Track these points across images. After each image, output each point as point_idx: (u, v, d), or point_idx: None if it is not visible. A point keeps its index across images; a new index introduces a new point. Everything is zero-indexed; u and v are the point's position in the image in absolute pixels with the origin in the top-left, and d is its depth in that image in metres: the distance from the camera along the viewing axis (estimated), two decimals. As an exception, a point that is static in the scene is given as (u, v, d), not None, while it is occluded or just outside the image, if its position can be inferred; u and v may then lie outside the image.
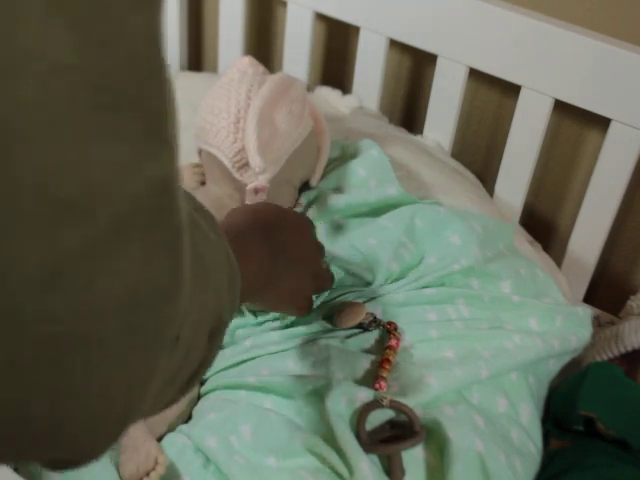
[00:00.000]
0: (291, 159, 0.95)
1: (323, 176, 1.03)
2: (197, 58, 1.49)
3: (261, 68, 0.98)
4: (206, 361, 0.49)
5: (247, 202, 0.93)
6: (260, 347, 0.86)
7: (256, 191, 0.92)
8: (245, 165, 0.92)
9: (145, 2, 0.32)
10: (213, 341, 0.48)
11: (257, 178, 0.92)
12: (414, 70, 1.27)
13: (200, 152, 0.98)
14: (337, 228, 0.97)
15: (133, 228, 0.33)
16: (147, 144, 0.33)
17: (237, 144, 0.92)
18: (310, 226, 0.81)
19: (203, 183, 0.99)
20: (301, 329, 0.88)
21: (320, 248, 0.81)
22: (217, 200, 0.94)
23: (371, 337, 0.86)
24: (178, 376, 0.44)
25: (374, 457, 0.75)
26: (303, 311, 0.83)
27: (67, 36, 0.29)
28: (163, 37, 0.34)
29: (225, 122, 0.92)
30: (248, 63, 0.97)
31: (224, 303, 0.50)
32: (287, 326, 0.89)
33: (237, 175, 0.92)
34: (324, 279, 0.85)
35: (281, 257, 0.72)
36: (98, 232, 0.32)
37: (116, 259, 0.33)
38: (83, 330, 0.32)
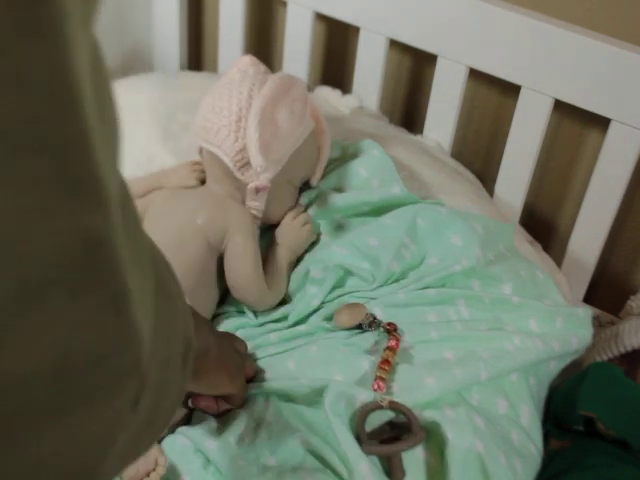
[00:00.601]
0: (292, 159, 0.95)
1: (323, 176, 1.03)
2: (197, 58, 1.49)
3: (262, 67, 0.98)
4: (181, 391, 0.45)
5: (248, 201, 0.93)
6: (260, 348, 0.86)
7: (257, 190, 0.92)
8: (246, 164, 0.92)
9: (45, 30, 0.26)
10: (186, 366, 0.45)
11: (258, 177, 0.92)
12: (414, 70, 1.27)
13: (201, 151, 0.98)
14: (338, 227, 0.97)
15: (48, 292, 0.28)
16: (62, 193, 0.28)
17: (238, 143, 0.92)
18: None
19: (203, 181, 0.99)
20: (301, 330, 0.88)
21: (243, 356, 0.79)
22: (219, 199, 0.94)
23: (371, 338, 0.86)
24: (154, 420, 0.40)
25: (374, 458, 0.75)
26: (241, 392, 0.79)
27: None
28: (75, 66, 0.27)
29: (226, 121, 0.92)
30: (249, 62, 0.97)
31: (191, 326, 0.47)
32: (287, 327, 0.89)
33: (238, 174, 0.92)
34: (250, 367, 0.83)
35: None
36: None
37: (22, 332, 0.28)
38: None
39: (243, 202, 0.94)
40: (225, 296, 0.94)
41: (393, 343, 0.83)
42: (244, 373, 0.79)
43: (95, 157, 0.29)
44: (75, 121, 0.28)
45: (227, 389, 0.76)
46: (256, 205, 0.93)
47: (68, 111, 0.27)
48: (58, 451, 0.31)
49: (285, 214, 0.98)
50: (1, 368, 0.27)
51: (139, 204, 0.93)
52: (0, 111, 0.25)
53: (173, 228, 0.90)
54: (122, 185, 0.34)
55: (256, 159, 0.89)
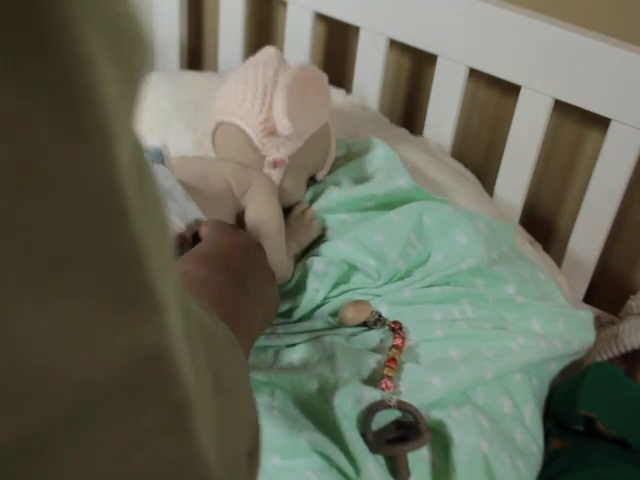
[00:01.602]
0: (309, 142, 0.96)
1: (329, 173, 1.03)
2: (197, 57, 1.49)
3: (284, 59, 1.00)
4: None
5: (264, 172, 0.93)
6: (265, 342, 0.86)
7: (275, 164, 0.92)
8: (268, 135, 0.92)
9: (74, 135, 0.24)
10: (253, 463, 0.41)
11: (278, 151, 0.92)
12: (414, 70, 1.27)
13: (216, 130, 0.97)
14: (343, 223, 0.97)
15: (99, 413, 0.26)
16: (112, 308, 0.26)
17: (262, 114, 0.92)
18: (260, 251, 0.77)
19: None
20: (306, 325, 0.88)
21: (271, 273, 0.78)
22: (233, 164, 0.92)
23: (376, 335, 0.86)
24: None
25: (380, 457, 0.75)
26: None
27: None
28: (116, 162, 0.25)
29: (251, 94, 0.93)
30: (273, 52, 0.99)
31: (257, 416, 0.44)
32: (293, 322, 0.89)
33: (259, 144, 0.92)
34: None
35: (248, 286, 0.67)
36: (46, 421, 0.25)
37: (73, 447, 0.26)
38: None
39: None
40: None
41: (399, 341, 0.83)
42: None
43: (146, 265, 0.27)
44: (123, 227, 0.26)
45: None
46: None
47: (115, 217, 0.25)
48: None
49: (293, 204, 0.97)
50: None
51: None
52: (38, 220, 0.23)
53: (195, 171, 0.88)
54: (179, 286, 0.32)
55: (283, 123, 0.89)
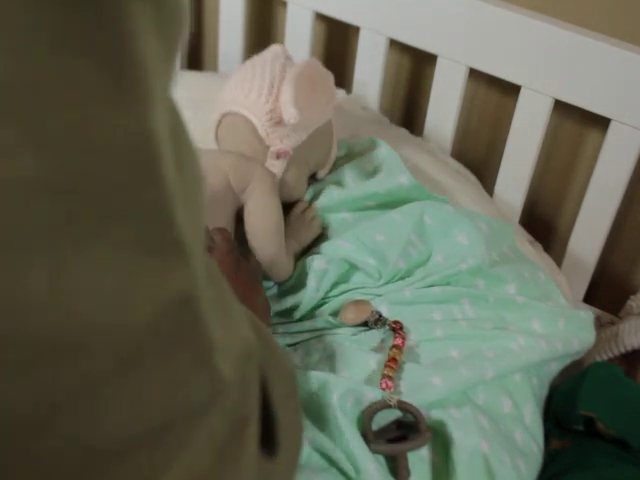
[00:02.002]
0: (312, 137, 0.96)
1: (330, 172, 1.03)
2: (197, 57, 1.49)
3: (291, 57, 1.00)
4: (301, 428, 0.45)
5: (267, 165, 0.93)
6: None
7: (278, 155, 0.92)
8: (274, 125, 0.92)
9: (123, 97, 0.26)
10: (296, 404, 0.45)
11: (282, 142, 0.92)
12: (414, 70, 1.27)
13: (220, 123, 0.97)
14: (344, 221, 0.97)
15: (143, 358, 0.29)
16: (149, 258, 0.28)
17: (269, 105, 0.92)
18: (236, 267, 0.79)
19: None
20: (307, 325, 0.88)
21: (254, 283, 0.79)
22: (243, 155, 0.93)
23: (377, 335, 0.86)
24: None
25: (380, 457, 0.75)
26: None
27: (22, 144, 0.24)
28: (157, 132, 0.28)
29: (258, 86, 0.93)
30: (280, 50, 0.99)
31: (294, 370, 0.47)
32: (293, 322, 0.89)
33: (264, 134, 0.92)
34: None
35: None
36: (98, 370, 0.27)
37: (123, 394, 0.28)
38: (100, 462, 0.29)
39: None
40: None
41: (399, 341, 0.83)
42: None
43: (176, 220, 0.29)
44: (156, 186, 0.28)
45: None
46: (274, 171, 0.93)
47: (149, 177, 0.28)
48: None
49: (294, 201, 0.97)
50: (99, 434, 0.28)
51: None
52: (82, 179, 0.25)
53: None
54: (204, 243, 0.35)
55: (289, 111, 0.89)
